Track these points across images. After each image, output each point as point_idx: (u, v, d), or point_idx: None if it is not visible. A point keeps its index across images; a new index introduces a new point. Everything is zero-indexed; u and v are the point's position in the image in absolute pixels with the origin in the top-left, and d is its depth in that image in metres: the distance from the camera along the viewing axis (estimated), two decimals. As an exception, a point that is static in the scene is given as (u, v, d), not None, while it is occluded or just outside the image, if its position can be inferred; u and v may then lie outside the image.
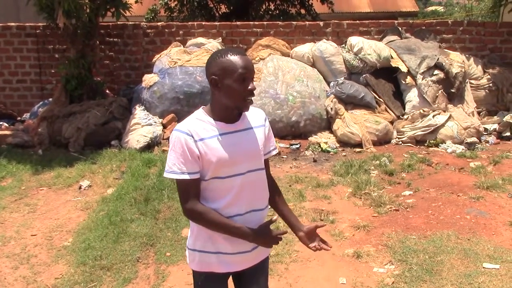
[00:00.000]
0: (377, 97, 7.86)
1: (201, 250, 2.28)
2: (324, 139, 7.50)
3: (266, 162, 2.40)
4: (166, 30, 9.08)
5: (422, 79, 7.83)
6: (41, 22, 8.77)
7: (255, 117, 2.31)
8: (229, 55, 2.12)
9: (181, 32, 9.02)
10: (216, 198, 2.21)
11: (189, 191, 2.18)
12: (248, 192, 2.23)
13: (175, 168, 2.15)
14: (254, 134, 2.26)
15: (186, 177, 2.15)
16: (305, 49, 8.35)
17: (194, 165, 2.15)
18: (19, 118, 8.94)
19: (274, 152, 2.43)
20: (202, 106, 2.26)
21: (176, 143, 2.15)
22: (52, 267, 4.15)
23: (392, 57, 8.12)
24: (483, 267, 3.87)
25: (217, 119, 2.18)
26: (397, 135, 7.60)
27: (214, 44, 8.44)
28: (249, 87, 2.13)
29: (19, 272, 4.08)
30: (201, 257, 2.29)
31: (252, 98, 2.18)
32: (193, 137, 2.13)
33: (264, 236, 2.22)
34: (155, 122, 7.44)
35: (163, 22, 9.87)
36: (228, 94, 2.13)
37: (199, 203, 2.19)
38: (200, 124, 2.17)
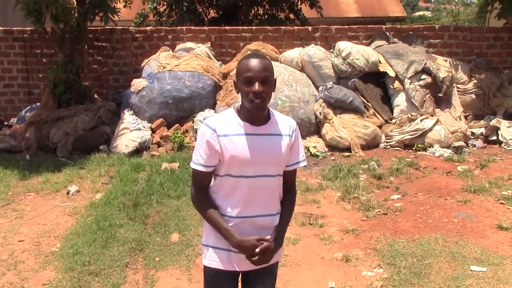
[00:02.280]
0: (365, 101, 7.90)
1: (214, 246, 2.35)
2: (313, 143, 7.52)
3: (292, 173, 2.44)
4: (155, 34, 9.07)
5: (410, 84, 7.89)
6: (28, 26, 8.72)
7: (284, 125, 2.36)
8: (245, 59, 2.24)
9: (170, 36, 9.01)
10: (228, 195, 2.30)
11: (198, 181, 2.34)
12: (260, 195, 2.30)
13: (193, 157, 2.30)
14: (277, 141, 2.31)
15: (199, 168, 2.28)
16: (294, 53, 8.38)
17: (211, 159, 2.26)
18: (6, 123, 8.86)
19: (300, 165, 2.44)
20: (234, 106, 2.36)
21: (200, 135, 2.28)
22: (39, 273, 4.12)
23: (380, 62, 8.17)
24: (471, 270, 3.91)
25: (243, 119, 2.27)
26: (385, 139, 7.65)
27: (203, 49, 8.45)
28: (253, 89, 2.17)
29: (6, 278, 4.04)
30: (212, 253, 2.36)
31: (259, 100, 2.19)
32: (216, 131, 2.23)
33: (246, 248, 2.24)
34: (143, 126, 7.42)
35: (151, 27, 9.87)
36: (241, 95, 2.25)
37: (204, 195, 2.34)
38: (227, 121, 2.27)
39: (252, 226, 2.30)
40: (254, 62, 2.19)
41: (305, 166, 2.52)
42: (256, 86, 2.17)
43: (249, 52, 8.36)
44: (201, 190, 2.34)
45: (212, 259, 2.35)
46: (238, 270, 2.36)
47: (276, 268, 2.51)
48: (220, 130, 2.24)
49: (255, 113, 2.25)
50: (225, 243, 2.30)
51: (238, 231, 2.27)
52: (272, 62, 8.73)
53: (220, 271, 2.34)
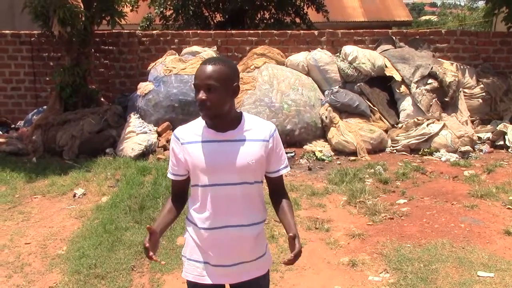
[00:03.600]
0: (371, 105, 7.89)
1: (190, 258, 2.29)
2: (319, 147, 7.51)
3: (277, 180, 2.34)
4: (161, 38, 9.10)
5: (416, 88, 7.87)
6: (36, 30, 8.76)
7: (259, 130, 2.24)
8: (200, 64, 2.18)
9: (176, 40, 9.04)
10: (199, 206, 2.25)
11: (172, 190, 2.38)
12: (231, 204, 2.20)
13: (168, 166, 2.34)
14: (245, 147, 2.19)
15: (170, 176, 2.34)
16: (300, 57, 8.39)
17: (178, 168, 2.28)
18: (13, 126, 8.91)
19: (281, 172, 2.32)
20: None
21: (170, 144, 2.32)
22: (46, 276, 4.12)
23: (386, 66, 8.16)
24: (478, 276, 3.88)
25: (209, 126, 2.21)
26: (392, 143, 7.63)
27: (209, 53, 8.46)
28: (197, 97, 2.12)
29: (12, 280, 4.05)
30: (188, 265, 2.30)
31: (204, 108, 2.11)
32: (179, 140, 2.23)
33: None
34: (150, 130, 7.43)
35: (158, 31, 9.90)
36: None
37: (169, 200, 2.37)
38: (193, 129, 2.24)
39: (228, 237, 2.20)
40: (202, 69, 2.11)
41: (288, 171, 2.40)
42: (200, 93, 2.10)
43: (255, 55, 8.39)
44: (170, 197, 2.38)
45: (188, 271, 2.29)
46: (213, 283, 2.26)
47: (264, 281, 2.40)
48: (184, 138, 2.21)
49: (207, 121, 2.18)
50: (200, 255, 2.25)
51: (213, 242, 2.21)
52: (278, 65, 8.63)
53: (196, 285, 2.28)
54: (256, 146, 2.21)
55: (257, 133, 2.23)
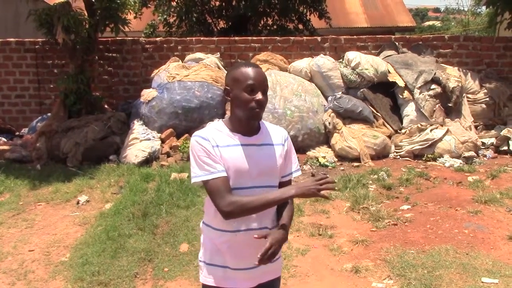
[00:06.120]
0: (374, 111, 7.88)
1: (209, 263, 2.30)
2: (322, 153, 7.50)
3: (287, 183, 2.36)
4: (164, 45, 9.14)
5: (419, 94, 7.86)
6: (40, 37, 8.82)
7: (276, 134, 2.33)
8: (241, 68, 2.20)
9: (179, 47, 9.08)
10: None
11: (221, 189, 2.13)
12: None
13: (200, 172, 2.15)
14: (270, 150, 2.27)
15: (214, 176, 2.14)
16: (303, 64, 8.40)
17: (218, 164, 2.15)
18: (17, 133, 8.95)
19: (295, 174, 2.38)
20: (221, 119, 2.31)
21: (196, 147, 2.18)
22: (49, 283, 4.13)
23: (389, 72, 8.16)
24: (482, 282, 3.87)
25: (234, 131, 2.23)
26: (395, 149, 7.61)
27: (212, 59, 8.49)
28: (256, 98, 2.16)
29: (16, 288, 4.07)
30: (208, 270, 2.30)
31: (259, 109, 2.18)
32: (210, 141, 2.17)
33: (305, 183, 2.14)
34: (153, 137, 7.44)
35: (161, 38, 9.94)
36: (237, 103, 2.20)
37: (234, 195, 2.14)
38: (217, 133, 2.22)
39: (247, 240, 2.19)
40: (257, 72, 2.18)
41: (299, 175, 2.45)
42: (260, 95, 2.16)
43: (258, 62, 8.40)
44: (228, 193, 2.13)
45: (208, 277, 2.30)
46: (235, 287, 2.27)
47: (277, 284, 2.44)
48: (214, 141, 2.18)
49: (250, 122, 2.22)
50: (220, 260, 2.25)
51: (237, 245, 2.21)
52: (281, 71, 8.65)
53: None
54: (277, 149, 2.29)
55: (275, 137, 2.32)
